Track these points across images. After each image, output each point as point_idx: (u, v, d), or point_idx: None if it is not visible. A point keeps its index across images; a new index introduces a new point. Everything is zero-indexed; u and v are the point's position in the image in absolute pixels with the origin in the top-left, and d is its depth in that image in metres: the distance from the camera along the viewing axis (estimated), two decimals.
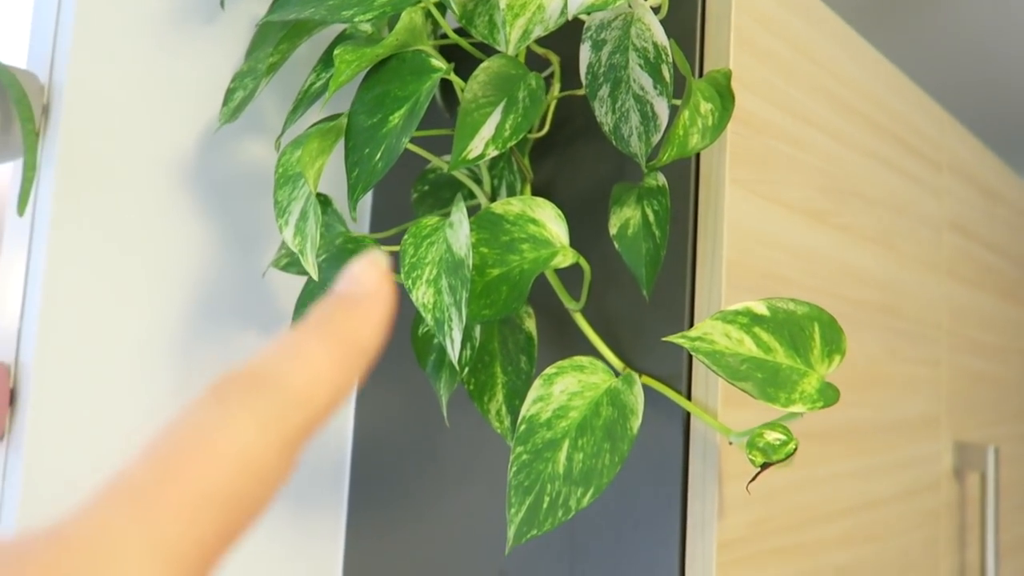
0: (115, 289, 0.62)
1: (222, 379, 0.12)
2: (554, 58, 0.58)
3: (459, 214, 0.46)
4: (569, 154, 0.60)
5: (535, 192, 0.62)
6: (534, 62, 0.63)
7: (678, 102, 0.51)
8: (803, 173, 0.60)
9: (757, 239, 0.55)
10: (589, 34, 0.48)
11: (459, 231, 0.45)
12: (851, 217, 0.66)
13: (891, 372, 0.71)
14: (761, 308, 0.41)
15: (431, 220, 0.48)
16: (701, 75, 0.54)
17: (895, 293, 0.73)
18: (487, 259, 0.48)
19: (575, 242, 0.59)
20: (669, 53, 0.43)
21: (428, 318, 0.45)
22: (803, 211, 0.60)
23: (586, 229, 0.58)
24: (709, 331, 0.41)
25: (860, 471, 0.66)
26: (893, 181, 0.73)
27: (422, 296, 0.46)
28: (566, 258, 0.47)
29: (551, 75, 0.62)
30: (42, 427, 0.58)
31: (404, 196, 0.71)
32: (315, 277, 0.48)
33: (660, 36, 0.44)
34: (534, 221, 0.48)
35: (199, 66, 0.67)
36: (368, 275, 0.14)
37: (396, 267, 0.67)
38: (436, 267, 0.46)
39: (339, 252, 0.53)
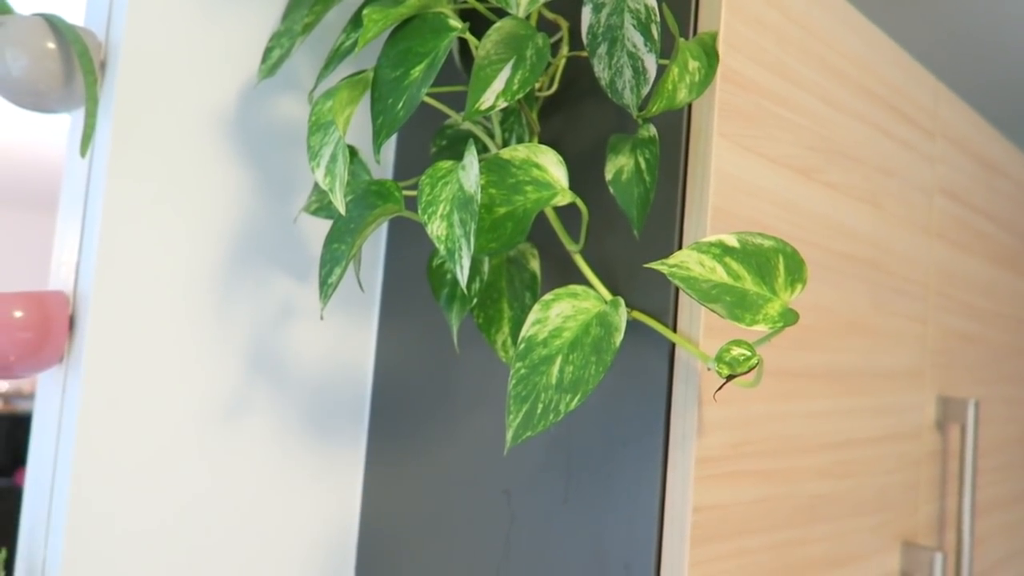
0: (164, 228, 0.69)
1: None
2: (563, 23, 0.63)
3: (470, 157, 0.52)
4: (575, 111, 0.66)
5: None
6: (545, 26, 0.69)
7: (667, 62, 0.56)
8: (791, 131, 0.65)
9: (742, 188, 0.60)
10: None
11: (470, 172, 0.51)
12: (839, 176, 0.71)
13: (875, 324, 0.76)
14: (732, 240, 0.47)
15: (446, 163, 0.54)
16: (696, 35, 0.59)
17: (882, 250, 0.77)
18: (495, 199, 0.54)
19: (578, 190, 0.64)
20: (658, 14, 0.49)
21: (441, 248, 0.51)
22: (790, 166, 0.65)
23: (588, 178, 0.64)
24: (685, 259, 0.46)
25: (840, 410, 0.71)
26: (884, 145, 0.78)
27: (436, 229, 0.52)
28: (564, 198, 0.53)
29: (560, 39, 0.67)
30: (98, 352, 0.65)
31: (424, 150, 0.77)
32: (342, 212, 0.54)
33: (650, 0, 0.49)
34: (537, 166, 0.54)
35: (241, 24, 0.73)
36: None
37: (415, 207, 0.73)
38: (449, 204, 0.52)
39: (364, 193, 0.59)
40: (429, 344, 0.74)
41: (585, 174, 0.64)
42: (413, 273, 0.76)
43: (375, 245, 0.81)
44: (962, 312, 0.93)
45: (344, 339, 0.79)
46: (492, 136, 0.64)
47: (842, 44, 0.71)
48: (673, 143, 0.58)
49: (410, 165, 0.78)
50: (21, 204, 5.14)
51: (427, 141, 0.77)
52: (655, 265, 0.46)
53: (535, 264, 0.62)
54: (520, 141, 0.63)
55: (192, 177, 0.70)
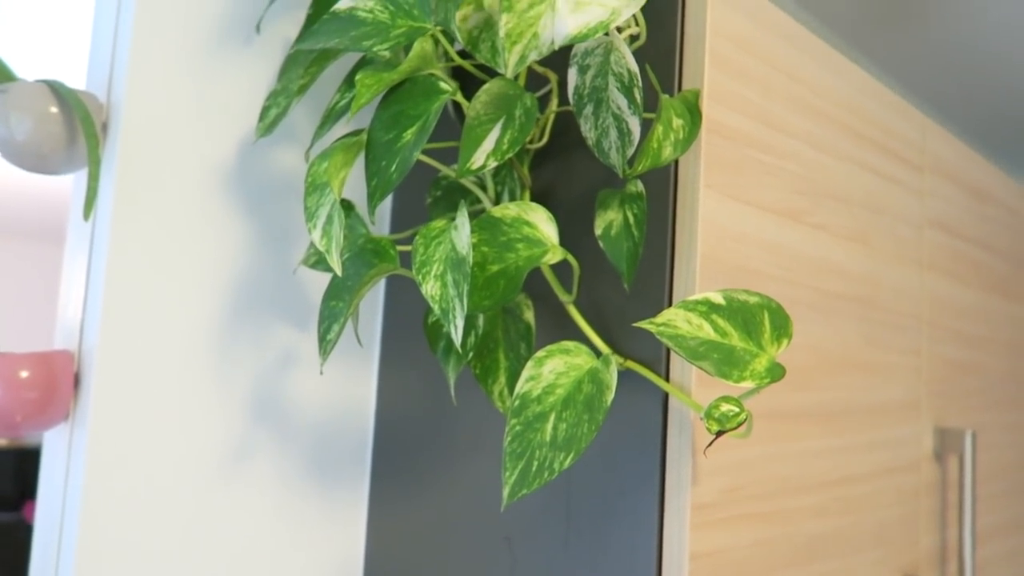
0: (166, 284, 0.70)
1: None
2: (552, 76, 0.65)
3: (462, 217, 0.53)
4: (566, 162, 0.67)
5: (535, 197, 0.69)
6: (535, 80, 0.70)
7: (651, 116, 0.58)
8: (778, 177, 0.67)
9: (730, 236, 0.61)
10: (576, 59, 0.55)
11: (462, 232, 0.53)
12: (827, 216, 0.72)
13: (869, 359, 0.77)
14: (718, 298, 0.48)
15: (439, 223, 0.56)
16: (680, 90, 0.61)
17: (873, 286, 0.78)
18: (487, 256, 0.55)
19: (570, 241, 0.66)
20: (639, 79, 0.50)
21: (435, 308, 0.52)
22: (777, 211, 0.66)
23: (579, 229, 0.65)
24: (673, 317, 0.47)
25: (835, 448, 0.72)
26: (872, 183, 0.79)
27: (430, 289, 0.53)
28: (555, 255, 0.54)
29: (550, 91, 0.69)
30: (103, 409, 0.66)
31: (420, 200, 0.79)
32: (339, 274, 0.55)
33: (632, 64, 0.51)
34: (528, 223, 0.55)
35: (238, 83, 0.75)
36: None
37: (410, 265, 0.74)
38: (442, 264, 0.53)
39: (360, 251, 0.60)
40: (428, 393, 0.75)
41: (577, 223, 0.65)
42: (411, 323, 0.78)
43: (374, 298, 0.82)
44: (956, 341, 0.94)
45: (345, 388, 0.80)
46: (485, 189, 0.65)
47: (828, 88, 0.73)
48: (661, 195, 0.59)
49: (406, 215, 0.80)
50: (21, 235, 5.19)
51: (423, 191, 0.78)
52: (644, 324, 0.47)
53: (529, 315, 0.63)
54: (512, 195, 0.64)
55: (193, 232, 0.72)
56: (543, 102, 0.69)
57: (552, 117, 0.65)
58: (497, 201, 0.65)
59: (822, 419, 0.70)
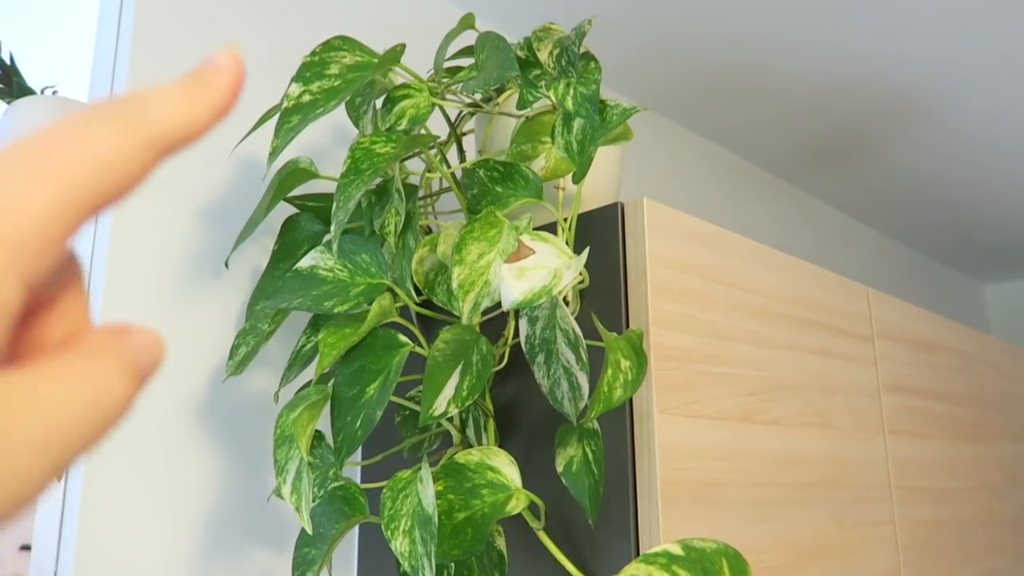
0: (142, 517, 0.70)
1: (94, 104, 0.16)
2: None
3: (425, 472, 0.55)
4: (526, 380, 0.70)
5: (498, 414, 0.71)
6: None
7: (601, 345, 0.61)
8: (728, 385, 0.70)
9: (688, 453, 0.63)
10: (525, 310, 0.59)
11: (427, 488, 0.54)
12: (782, 410, 0.75)
13: (841, 542, 0.78)
14: (676, 549, 0.50)
15: (405, 474, 0.57)
16: (627, 319, 0.64)
17: (837, 466, 0.80)
18: (454, 504, 0.57)
19: (536, 462, 0.67)
20: (583, 340, 0.54)
21: (405, 565, 0.53)
22: (731, 418, 0.69)
23: (544, 448, 0.67)
24: (635, 572, 0.49)
25: None
26: (824, 365, 0.83)
27: (400, 545, 0.54)
28: (519, 502, 0.56)
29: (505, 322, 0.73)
30: None
31: (390, 421, 0.81)
32: (309, 531, 0.56)
33: (574, 325, 0.54)
34: (491, 468, 0.57)
35: (209, 314, 0.78)
36: (225, 60, 0.17)
37: (376, 510, 0.75)
38: (410, 519, 0.55)
39: (330, 498, 0.62)
40: None
41: (539, 443, 0.67)
42: (385, 567, 0.78)
43: (349, 540, 0.83)
44: (928, 500, 0.95)
45: None
46: (451, 419, 0.68)
47: (766, 285, 0.77)
48: (619, 424, 0.62)
49: (378, 431, 0.81)
50: None
51: (392, 408, 0.81)
52: None
53: (501, 542, 0.64)
54: (476, 424, 0.66)
55: (168, 465, 0.73)
56: (501, 327, 0.72)
57: (509, 346, 0.68)
58: (463, 429, 0.67)
59: None
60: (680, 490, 0.62)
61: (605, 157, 0.74)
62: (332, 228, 0.57)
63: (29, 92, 0.72)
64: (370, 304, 0.62)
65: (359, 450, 0.84)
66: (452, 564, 0.63)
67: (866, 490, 0.84)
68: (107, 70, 0.79)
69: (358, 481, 0.83)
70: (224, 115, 0.17)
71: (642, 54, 1.26)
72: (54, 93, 0.74)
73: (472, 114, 0.74)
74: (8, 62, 0.71)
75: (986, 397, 1.20)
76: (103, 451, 0.69)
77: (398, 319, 0.64)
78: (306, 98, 0.58)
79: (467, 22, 0.72)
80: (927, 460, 0.97)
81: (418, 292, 0.67)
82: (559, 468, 0.59)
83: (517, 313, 0.71)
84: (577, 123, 0.60)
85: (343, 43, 0.61)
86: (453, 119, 0.77)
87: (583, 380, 0.55)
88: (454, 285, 0.60)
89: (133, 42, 0.77)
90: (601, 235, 0.66)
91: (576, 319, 0.65)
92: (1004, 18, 1.14)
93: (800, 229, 1.84)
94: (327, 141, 0.92)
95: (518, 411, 0.70)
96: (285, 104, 0.58)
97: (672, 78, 1.33)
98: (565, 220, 0.64)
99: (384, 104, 0.65)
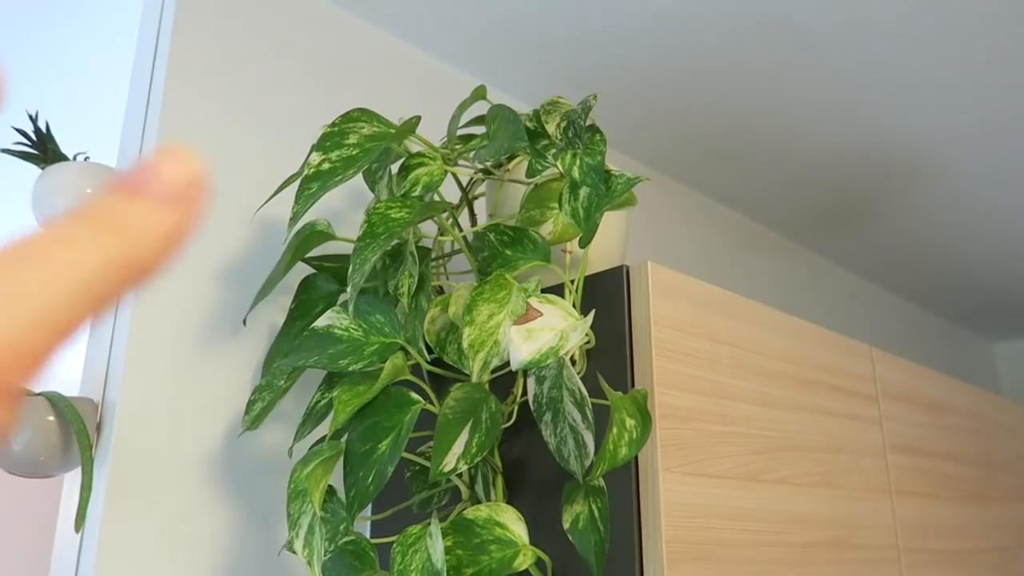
0: (158, 569, 0.72)
1: (78, 209, 0.15)
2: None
3: (435, 527, 0.57)
4: (534, 437, 0.71)
5: (507, 470, 0.73)
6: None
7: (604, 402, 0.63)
8: (733, 444, 0.71)
9: (693, 512, 0.64)
10: (533, 370, 0.61)
11: (436, 544, 0.56)
12: (787, 469, 0.76)
13: None
14: None
15: (415, 529, 0.59)
16: (633, 379, 0.66)
17: (844, 527, 0.81)
18: (462, 560, 0.58)
19: (543, 519, 0.68)
20: (588, 399, 0.56)
21: None
22: (736, 477, 0.70)
23: (551, 505, 0.68)
24: None
25: None
26: (828, 424, 0.84)
27: None
28: (527, 559, 0.57)
29: (514, 381, 0.74)
30: None
31: (400, 475, 0.82)
32: None
33: (580, 385, 0.56)
34: (499, 524, 0.59)
35: (226, 370, 0.80)
36: (180, 171, 0.16)
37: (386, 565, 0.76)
38: (420, 574, 0.56)
39: (341, 552, 0.63)
40: None
41: (548, 497, 0.68)
42: None
43: None
44: (937, 562, 0.95)
45: None
46: (460, 475, 0.69)
47: (770, 346, 0.79)
48: (624, 482, 0.63)
49: (387, 492, 0.83)
50: None
51: (402, 467, 0.82)
52: None
53: None
54: (485, 480, 0.68)
55: (183, 519, 0.74)
56: (510, 385, 0.74)
57: (518, 404, 0.70)
58: (471, 484, 0.69)
59: None
60: (685, 549, 0.62)
61: (611, 221, 0.76)
62: (349, 290, 0.59)
63: (63, 158, 0.76)
64: (383, 362, 0.64)
65: (369, 504, 0.85)
66: None
67: (873, 551, 0.84)
68: (136, 136, 0.83)
69: (368, 535, 0.84)
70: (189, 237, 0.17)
71: (649, 117, 1.30)
72: (86, 159, 0.78)
73: (483, 179, 0.77)
74: (44, 130, 0.75)
75: (997, 458, 1.20)
76: (119, 504, 0.71)
77: (410, 377, 0.66)
78: (326, 166, 0.62)
79: (479, 93, 0.76)
80: (936, 521, 0.97)
81: (430, 351, 0.69)
82: (566, 525, 0.60)
83: (525, 372, 0.73)
84: (583, 191, 0.63)
85: (361, 114, 0.65)
86: (465, 184, 0.80)
87: (588, 439, 0.56)
88: (465, 345, 0.62)
89: (163, 108, 0.81)
90: (607, 297, 0.68)
91: (582, 378, 0.67)
92: (1003, 80, 1.17)
93: (807, 288, 1.86)
94: (344, 204, 0.95)
95: (526, 468, 0.71)
96: (306, 171, 0.61)
97: (678, 141, 1.37)
98: (572, 282, 0.66)
99: (400, 171, 0.68)
